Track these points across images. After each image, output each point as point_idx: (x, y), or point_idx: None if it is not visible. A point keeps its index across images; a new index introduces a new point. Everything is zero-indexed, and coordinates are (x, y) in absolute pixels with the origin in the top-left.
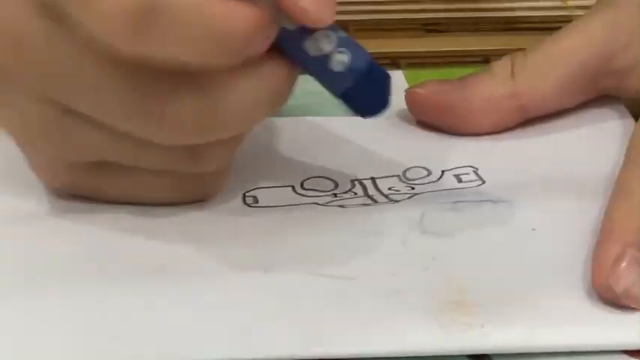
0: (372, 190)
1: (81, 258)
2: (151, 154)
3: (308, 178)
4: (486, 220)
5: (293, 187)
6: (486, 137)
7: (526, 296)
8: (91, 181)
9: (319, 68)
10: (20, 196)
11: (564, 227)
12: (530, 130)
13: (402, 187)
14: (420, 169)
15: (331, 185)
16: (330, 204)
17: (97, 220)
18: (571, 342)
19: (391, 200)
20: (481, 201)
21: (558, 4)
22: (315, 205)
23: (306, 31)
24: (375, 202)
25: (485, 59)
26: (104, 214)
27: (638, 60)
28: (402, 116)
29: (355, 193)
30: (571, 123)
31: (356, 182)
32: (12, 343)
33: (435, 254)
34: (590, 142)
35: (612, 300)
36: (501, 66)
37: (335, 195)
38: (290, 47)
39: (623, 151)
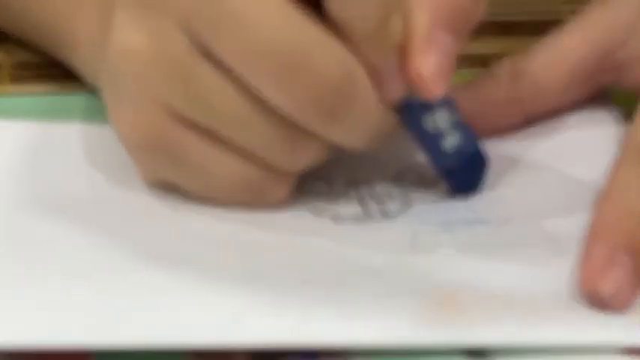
0: (365, 196)
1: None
2: (249, 136)
3: (303, 179)
4: (479, 241)
5: None
6: (484, 139)
7: (516, 296)
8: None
9: (430, 142)
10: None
11: (557, 238)
12: (526, 133)
13: (397, 193)
14: (416, 172)
15: (326, 187)
16: (323, 214)
17: (108, 208)
18: (563, 338)
19: (384, 214)
20: (474, 222)
21: (557, 6)
22: (308, 213)
23: (428, 106)
24: (368, 213)
25: (483, 63)
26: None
27: (637, 53)
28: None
29: (349, 198)
30: (567, 126)
31: (351, 184)
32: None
33: (426, 271)
34: (585, 147)
35: (600, 303)
36: (502, 70)
37: (329, 200)
38: (409, 117)
39: (617, 155)
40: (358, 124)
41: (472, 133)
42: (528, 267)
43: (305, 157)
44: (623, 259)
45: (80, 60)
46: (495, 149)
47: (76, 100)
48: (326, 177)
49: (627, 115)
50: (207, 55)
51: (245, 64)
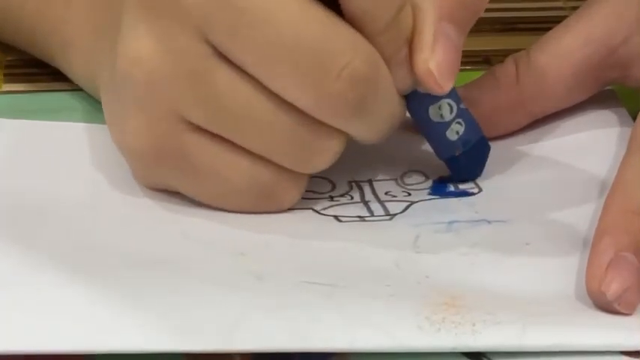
0: (368, 195)
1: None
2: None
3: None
4: (481, 241)
5: None
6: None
7: (519, 299)
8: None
9: (435, 132)
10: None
11: (559, 238)
12: (530, 134)
13: (399, 193)
14: (418, 174)
15: (329, 186)
16: (326, 211)
17: (101, 213)
18: (564, 342)
19: (386, 212)
20: (476, 221)
21: (558, 4)
22: (312, 212)
23: (433, 97)
24: (371, 212)
25: (485, 59)
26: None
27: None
28: (403, 121)
29: (352, 197)
30: (571, 126)
31: (353, 184)
32: None
33: (429, 272)
34: (590, 146)
35: (605, 304)
36: (505, 71)
37: (332, 198)
38: (415, 108)
39: (621, 155)
40: (381, 115)
41: (474, 121)
42: (530, 268)
43: (325, 156)
44: (628, 259)
45: (72, 63)
46: (498, 148)
47: (68, 98)
48: (329, 176)
49: (633, 114)
50: (224, 58)
51: (268, 63)
